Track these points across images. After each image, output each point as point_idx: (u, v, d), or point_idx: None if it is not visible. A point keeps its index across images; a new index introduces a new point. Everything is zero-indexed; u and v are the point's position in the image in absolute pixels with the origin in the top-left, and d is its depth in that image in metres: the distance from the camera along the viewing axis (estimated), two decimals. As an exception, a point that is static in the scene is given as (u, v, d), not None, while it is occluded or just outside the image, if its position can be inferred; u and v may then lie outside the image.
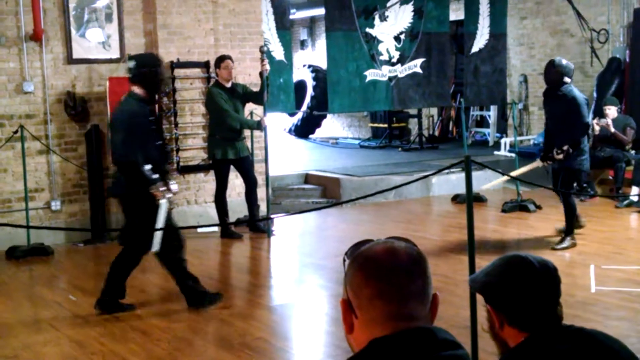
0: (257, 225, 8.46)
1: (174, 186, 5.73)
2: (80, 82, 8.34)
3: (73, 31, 8.25)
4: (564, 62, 7.32)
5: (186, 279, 5.73)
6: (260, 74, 8.17)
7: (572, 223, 7.34)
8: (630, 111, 11.05)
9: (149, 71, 5.49)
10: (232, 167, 8.28)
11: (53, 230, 7.96)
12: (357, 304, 1.60)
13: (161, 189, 5.48)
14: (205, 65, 8.87)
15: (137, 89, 5.52)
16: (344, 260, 1.67)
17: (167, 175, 5.80)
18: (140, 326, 5.41)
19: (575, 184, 8.19)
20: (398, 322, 1.55)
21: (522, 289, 2.19)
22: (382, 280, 1.58)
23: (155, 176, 5.48)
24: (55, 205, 8.28)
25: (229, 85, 8.12)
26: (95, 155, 8.27)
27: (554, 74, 7.23)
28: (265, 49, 8.48)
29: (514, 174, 7.34)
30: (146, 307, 5.86)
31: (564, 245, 7.24)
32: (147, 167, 5.44)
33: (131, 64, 5.58)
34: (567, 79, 7.20)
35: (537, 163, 7.49)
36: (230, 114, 7.96)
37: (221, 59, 8.12)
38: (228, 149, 8.09)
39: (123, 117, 5.47)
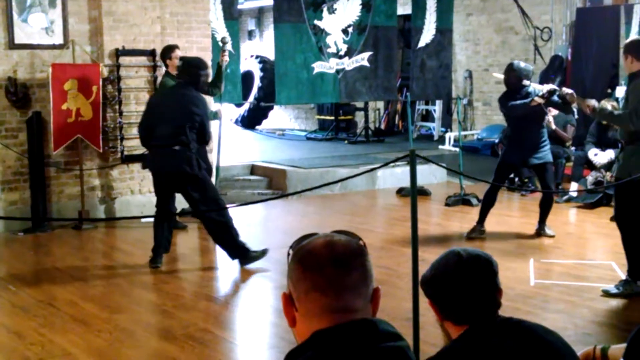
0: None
1: None
2: (22, 68, 8.16)
3: (15, 16, 8.05)
4: (522, 64, 7.51)
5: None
6: (219, 65, 8.19)
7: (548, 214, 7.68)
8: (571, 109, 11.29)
9: (192, 71, 6.53)
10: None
11: (-8, 218, 7.78)
12: (296, 296, 1.63)
13: None
14: (151, 53, 8.76)
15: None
16: (288, 254, 1.68)
17: None
18: (80, 317, 5.33)
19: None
20: (334, 314, 1.58)
21: (450, 282, 2.22)
22: (317, 273, 1.60)
23: None
24: (-5, 193, 8.10)
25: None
26: (37, 143, 8.10)
27: (513, 77, 7.40)
28: (227, 40, 8.47)
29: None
30: (87, 298, 5.78)
31: (550, 232, 7.61)
32: None
33: (178, 63, 6.80)
34: (526, 82, 7.38)
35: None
36: None
37: (170, 49, 8.03)
38: None
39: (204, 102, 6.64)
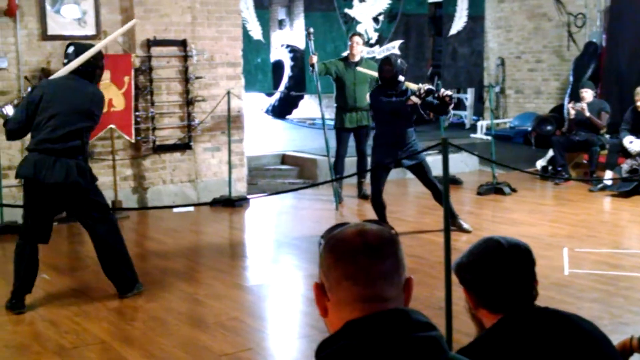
0: (364, 192, 9.15)
1: None
2: (55, 59, 8.22)
3: (48, 7, 8.12)
4: (399, 60, 7.21)
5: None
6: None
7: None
8: (605, 95, 11.14)
9: (89, 61, 5.38)
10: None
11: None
12: (328, 286, 1.61)
13: None
14: (182, 43, 8.78)
15: None
16: (320, 244, 1.67)
17: None
18: (114, 306, 5.38)
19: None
20: (366, 303, 1.56)
21: (489, 269, 2.20)
22: (349, 261, 1.58)
23: None
24: (29, 183, 8.17)
25: (356, 59, 8.67)
26: (70, 133, 8.16)
27: (389, 72, 7.06)
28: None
29: None
30: (121, 287, 5.82)
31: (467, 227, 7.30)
32: None
33: (70, 49, 5.47)
34: (401, 77, 7.07)
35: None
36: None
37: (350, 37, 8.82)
38: (346, 118, 8.85)
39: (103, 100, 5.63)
